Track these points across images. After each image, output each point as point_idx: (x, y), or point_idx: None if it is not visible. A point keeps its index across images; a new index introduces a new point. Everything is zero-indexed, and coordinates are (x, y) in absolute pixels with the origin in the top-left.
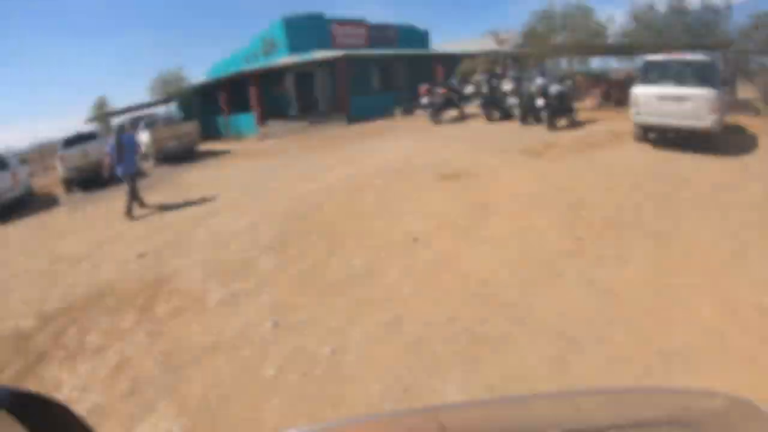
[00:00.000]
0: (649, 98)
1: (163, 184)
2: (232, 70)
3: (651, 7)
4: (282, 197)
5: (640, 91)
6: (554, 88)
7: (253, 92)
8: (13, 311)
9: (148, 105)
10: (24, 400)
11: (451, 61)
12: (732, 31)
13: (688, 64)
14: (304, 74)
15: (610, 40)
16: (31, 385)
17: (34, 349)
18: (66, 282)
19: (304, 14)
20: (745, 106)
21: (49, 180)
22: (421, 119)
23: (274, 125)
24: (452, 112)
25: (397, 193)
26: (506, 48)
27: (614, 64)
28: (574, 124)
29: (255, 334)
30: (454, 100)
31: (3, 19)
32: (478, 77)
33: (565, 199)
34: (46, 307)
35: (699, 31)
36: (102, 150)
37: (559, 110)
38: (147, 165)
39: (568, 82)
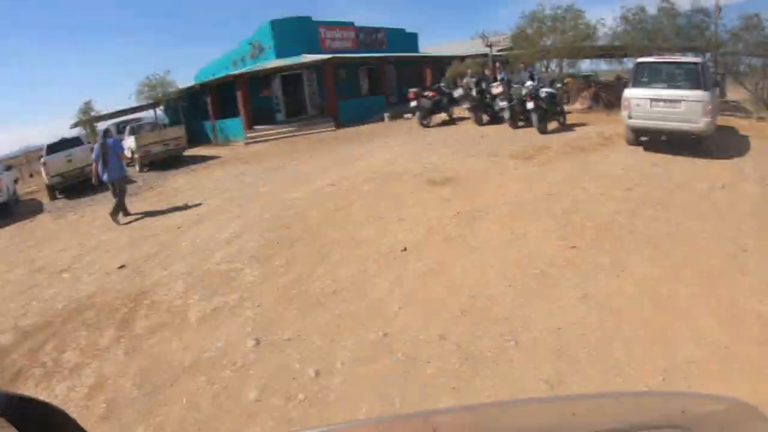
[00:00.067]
0: (642, 101)
1: (149, 191)
2: (220, 74)
3: (641, 9)
4: (268, 204)
5: (632, 94)
6: (544, 91)
7: (240, 96)
8: None
9: (134, 110)
10: (20, 405)
11: (440, 63)
12: (721, 32)
13: (679, 66)
14: (291, 78)
15: (600, 43)
16: None
17: (10, 366)
18: (46, 294)
19: (292, 17)
20: (735, 108)
21: (35, 186)
22: (410, 123)
23: (262, 130)
24: (441, 116)
25: (386, 200)
26: (496, 51)
27: (604, 67)
28: (565, 127)
29: (237, 352)
30: (444, 103)
31: None
32: (468, 80)
33: (558, 205)
34: (24, 321)
35: (689, 33)
36: (87, 156)
37: (550, 113)
38: (132, 171)
39: (558, 85)
